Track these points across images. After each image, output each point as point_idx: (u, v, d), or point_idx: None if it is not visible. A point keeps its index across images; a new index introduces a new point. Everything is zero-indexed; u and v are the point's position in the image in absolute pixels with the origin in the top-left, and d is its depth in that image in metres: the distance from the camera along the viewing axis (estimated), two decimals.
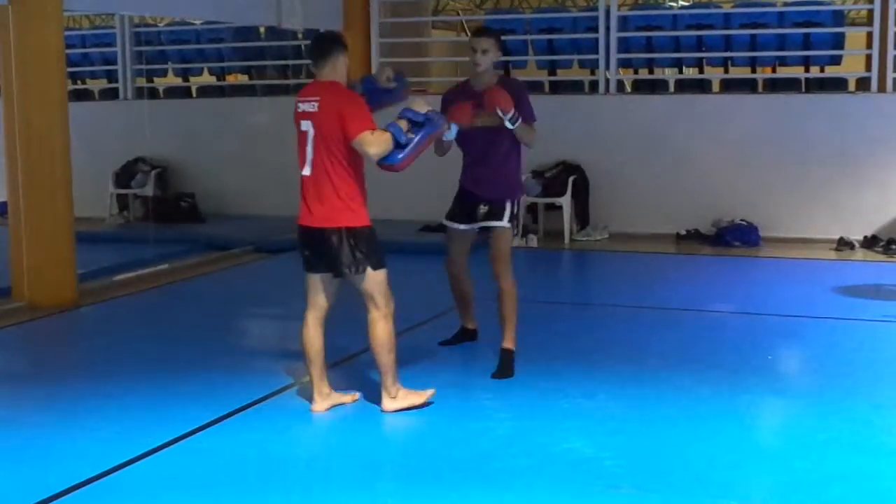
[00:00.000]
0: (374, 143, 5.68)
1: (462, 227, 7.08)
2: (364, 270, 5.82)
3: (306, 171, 5.84)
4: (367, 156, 5.74)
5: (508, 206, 6.90)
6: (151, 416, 6.05)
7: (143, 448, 5.46)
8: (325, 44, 5.95)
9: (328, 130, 5.74)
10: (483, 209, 6.92)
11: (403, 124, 5.82)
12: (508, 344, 6.83)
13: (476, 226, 7.02)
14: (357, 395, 6.25)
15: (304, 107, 5.83)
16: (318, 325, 6.01)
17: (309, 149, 5.81)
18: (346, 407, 6.11)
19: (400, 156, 5.78)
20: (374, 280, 5.86)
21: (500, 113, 6.60)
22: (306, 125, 5.81)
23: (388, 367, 5.92)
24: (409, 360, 6.93)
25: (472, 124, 6.61)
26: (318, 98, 5.80)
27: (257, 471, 5.27)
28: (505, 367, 6.73)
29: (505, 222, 6.90)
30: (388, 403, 5.97)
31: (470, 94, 6.81)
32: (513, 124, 6.68)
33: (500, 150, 6.89)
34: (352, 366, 6.91)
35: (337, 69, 5.87)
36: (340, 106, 5.73)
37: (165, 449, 5.50)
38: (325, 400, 6.06)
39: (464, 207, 7.06)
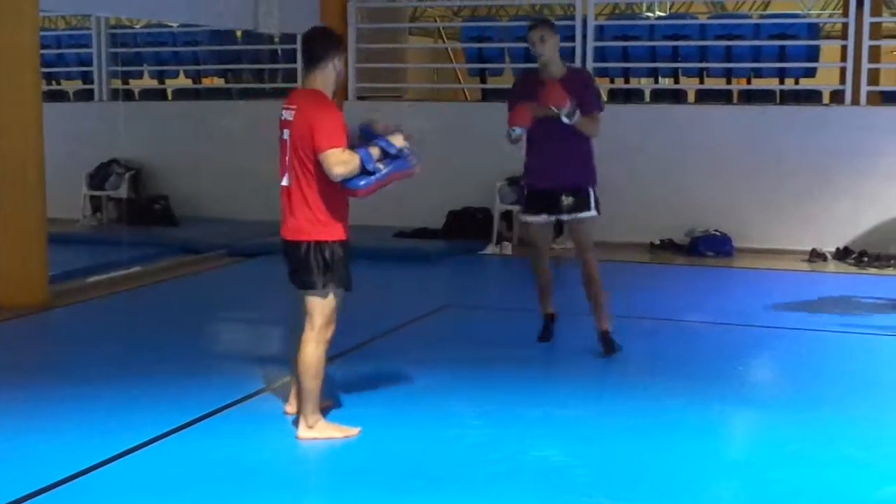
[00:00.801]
0: (341, 164, 5.41)
1: (544, 218, 7.16)
2: (311, 289, 5.60)
3: (284, 182, 5.65)
4: (330, 174, 5.44)
5: (592, 192, 7.06)
6: (120, 419, 6.01)
7: (111, 452, 5.42)
8: (316, 48, 5.64)
9: (301, 141, 5.51)
10: (567, 200, 7.01)
11: (375, 152, 5.56)
12: (606, 325, 7.21)
13: (561, 217, 7.13)
14: (330, 401, 6.21)
15: (285, 115, 5.63)
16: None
17: (287, 158, 5.63)
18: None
19: (363, 182, 5.51)
20: (316, 301, 5.62)
21: (555, 109, 6.72)
22: (286, 134, 5.61)
23: (310, 392, 5.63)
24: (384, 366, 6.94)
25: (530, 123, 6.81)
26: (295, 107, 5.58)
27: (227, 476, 5.24)
28: (611, 345, 7.19)
29: (593, 211, 7.08)
30: (303, 431, 5.71)
31: (536, 84, 6.99)
32: (569, 119, 6.74)
33: (569, 137, 6.92)
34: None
35: (326, 76, 5.62)
36: (314, 117, 5.48)
37: (134, 453, 5.46)
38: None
39: (544, 200, 7.10)
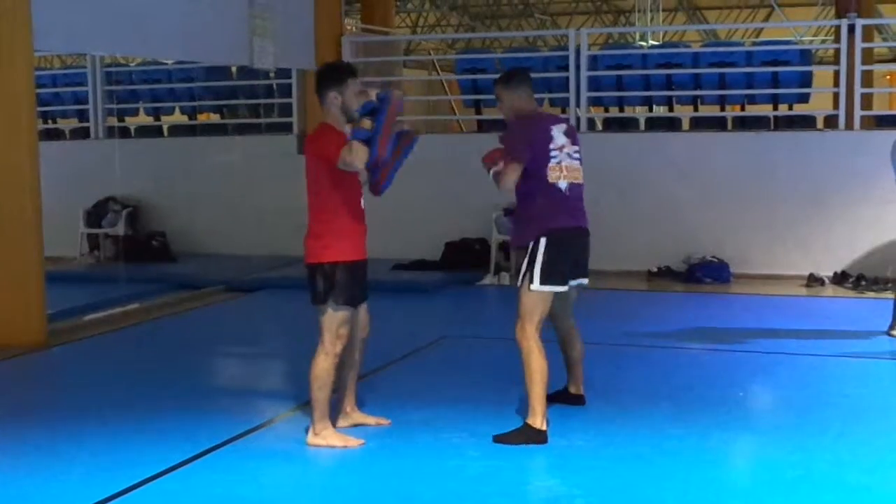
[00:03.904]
0: (350, 156, 5.75)
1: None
2: (320, 304, 6.02)
3: None
4: (354, 169, 5.83)
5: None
6: (121, 456, 5.98)
7: (112, 490, 5.40)
8: (316, 87, 6.10)
9: (308, 171, 6.00)
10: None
11: (365, 123, 5.84)
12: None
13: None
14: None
15: None
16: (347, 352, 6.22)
17: None
18: (317, 448, 6.08)
19: (373, 151, 5.79)
20: (325, 317, 6.01)
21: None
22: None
23: (316, 402, 6.03)
24: (382, 399, 6.91)
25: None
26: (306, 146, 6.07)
27: None
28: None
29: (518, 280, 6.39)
30: (311, 437, 6.10)
31: None
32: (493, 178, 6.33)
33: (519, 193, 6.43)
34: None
35: (328, 109, 6.04)
36: (314, 147, 5.97)
37: (135, 490, 5.44)
38: (346, 419, 6.33)
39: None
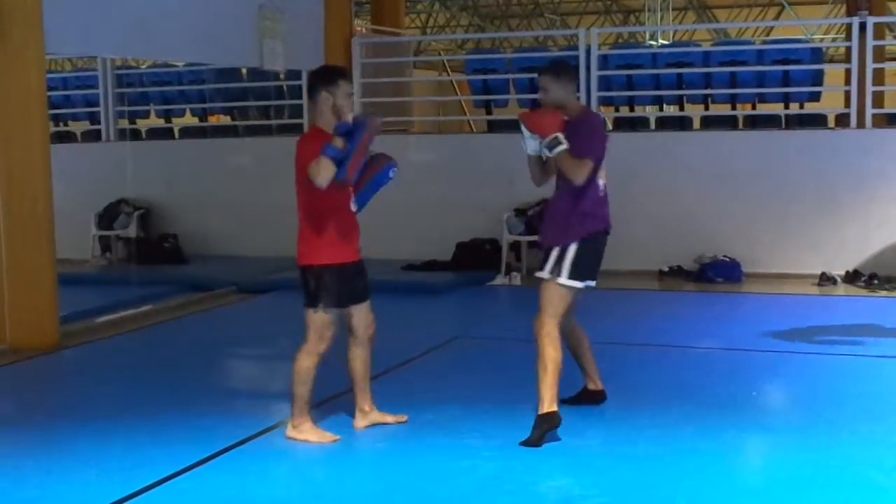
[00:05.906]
0: (316, 173, 5.76)
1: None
2: (306, 307, 6.13)
3: None
4: (318, 186, 5.78)
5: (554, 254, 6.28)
6: (134, 458, 6.00)
7: (125, 491, 5.41)
8: (308, 87, 6.16)
9: (297, 178, 6.00)
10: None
11: (338, 142, 5.80)
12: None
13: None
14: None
15: None
16: (352, 347, 6.35)
17: None
18: (328, 446, 6.10)
19: (342, 173, 5.80)
20: (309, 318, 6.13)
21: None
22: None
23: (297, 397, 6.16)
24: (394, 399, 6.91)
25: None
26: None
27: None
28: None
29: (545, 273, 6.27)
30: (289, 430, 6.22)
31: None
32: (549, 150, 6.08)
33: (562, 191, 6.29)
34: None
35: (319, 110, 6.07)
36: (297, 154, 5.97)
37: (148, 492, 5.45)
38: (364, 418, 6.38)
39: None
